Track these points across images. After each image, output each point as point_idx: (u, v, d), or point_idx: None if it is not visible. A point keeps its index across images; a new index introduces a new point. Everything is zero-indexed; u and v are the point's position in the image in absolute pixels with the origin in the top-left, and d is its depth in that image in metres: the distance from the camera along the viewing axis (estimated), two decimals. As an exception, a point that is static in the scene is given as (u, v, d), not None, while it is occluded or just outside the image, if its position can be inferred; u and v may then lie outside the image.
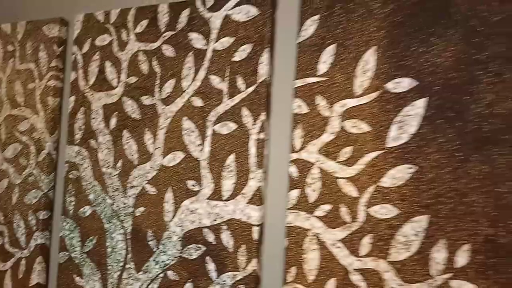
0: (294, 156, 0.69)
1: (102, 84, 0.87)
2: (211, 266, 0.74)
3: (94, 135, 0.87)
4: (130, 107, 0.83)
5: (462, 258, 0.57)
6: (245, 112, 0.73)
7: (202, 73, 0.77)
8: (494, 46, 0.57)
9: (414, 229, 0.60)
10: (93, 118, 0.87)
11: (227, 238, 0.73)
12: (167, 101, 0.80)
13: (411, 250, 0.60)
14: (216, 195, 0.74)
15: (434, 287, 0.58)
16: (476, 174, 0.57)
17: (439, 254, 0.59)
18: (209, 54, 0.76)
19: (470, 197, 0.57)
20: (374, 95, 0.64)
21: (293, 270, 0.68)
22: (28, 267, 0.92)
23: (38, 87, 0.94)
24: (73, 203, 0.88)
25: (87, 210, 0.86)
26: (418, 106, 0.61)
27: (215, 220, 0.74)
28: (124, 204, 0.83)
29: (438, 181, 0.59)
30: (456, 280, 0.58)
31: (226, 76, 0.74)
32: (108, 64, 0.86)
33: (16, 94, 0.97)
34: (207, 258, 0.74)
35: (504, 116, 0.56)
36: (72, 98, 0.90)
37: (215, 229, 0.74)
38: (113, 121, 0.85)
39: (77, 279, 0.86)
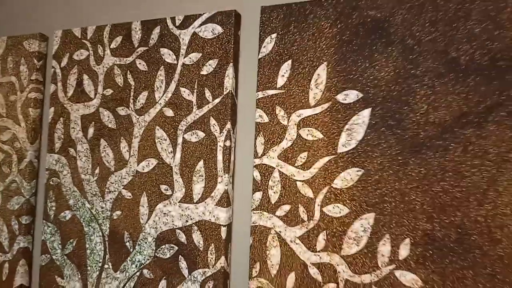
0: (257, 161, 0.75)
1: (80, 96, 0.92)
2: (183, 264, 0.80)
3: (73, 144, 0.92)
4: (107, 117, 0.89)
5: (404, 250, 0.64)
6: (212, 121, 0.79)
7: (173, 86, 0.83)
8: (427, 62, 0.64)
9: (363, 225, 0.67)
10: (72, 128, 0.93)
11: (197, 238, 0.79)
12: (140, 111, 0.86)
13: (360, 244, 0.67)
14: (187, 198, 0.80)
15: (381, 277, 0.65)
16: (415, 175, 0.64)
17: (384, 248, 0.66)
18: (179, 68, 0.82)
19: (410, 196, 0.64)
20: (326, 105, 0.70)
21: (257, 266, 0.74)
22: (11, 269, 0.97)
23: (19, 99, 0.99)
24: (54, 208, 0.93)
25: (67, 214, 0.92)
26: (364, 116, 0.68)
27: (186, 222, 0.80)
28: (102, 208, 0.88)
29: (382, 182, 0.66)
30: (399, 271, 0.65)
31: (195, 89, 0.81)
32: (85, 77, 0.92)
33: (-2, 105, 1.02)
34: (180, 257, 0.80)
35: (436, 124, 0.63)
36: (52, 109, 0.95)
37: (187, 230, 0.80)
38: (91, 131, 0.91)
39: (59, 279, 0.92)
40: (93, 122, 0.90)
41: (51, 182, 0.94)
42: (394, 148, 0.66)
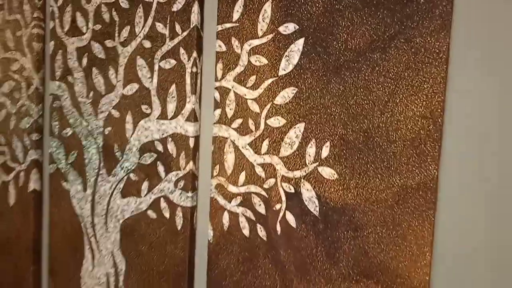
0: (217, 84, 0.92)
1: (74, 31, 1.08)
2: (161, 169, 0.99)
3: (70, 72, 1.10)
4: (97, 49, 1.05)
5: (325, 151, 0.82)
6: (182, 51, 0.95)
7: (149, 21, 0.98)
8: (345, -2, 0.78)
9: (296, 133, 0.84)
10: (69, 59, 1.10)
11: (171, 147, 0.97)
12: (124, 43, 1.02)
13: (293, 148, 0.85)
14: (163, 115, 0.98)
15: (308, 172, 0.83)
16: (335, 92, 0.81)
17: (311, 150, 0.83)
18: (154, 5, 0.97)
19: (331, 108, 0.81)
20: (270, 36, 0.86)
21: (217, 168, 0.93)
22: (26, 177, 1.18)
23: (25, 34, 1.16)
24: (57, 126, 1.12)
25: (68, 131, 1.11)
26: (299, 44, 0.83)
27: (162, 135, 0.98)
28: (96, 125, 1.07)
29: (311, 98, 0.83)
30: (321, 167, 0.82)
31: (167, 23, 0.96)
32: (78, 14, 1.07)
33: (7, 40, 1.19)
34: (158, 162, 0.99)
35: (353, 50, 0.78)
36: (52, 43, 1.12)
37: (163, 141, 0.98)
38: (84, 61, 1.08)
39: (64, 184, 1.12)
40: (86, 53, 1.07)
41: (54, 105, 1.13)
42: (321, 70, 0.81)
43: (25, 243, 1.19)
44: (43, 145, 1.18)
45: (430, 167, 0.74)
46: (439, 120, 0.73)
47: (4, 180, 1.22)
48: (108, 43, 1.04)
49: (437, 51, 0.72)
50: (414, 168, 0.75)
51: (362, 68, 0.78)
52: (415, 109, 0.74)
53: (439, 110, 0.73)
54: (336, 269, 0.82)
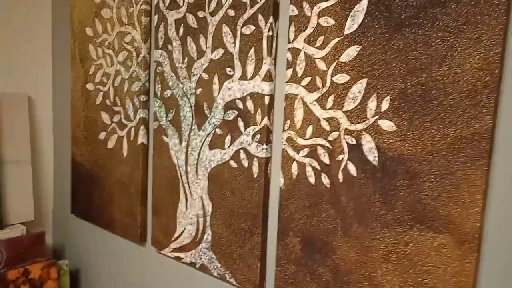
0: (289, 45, 1.01)
1: (173, 5, 1.25)
2: (241, 124, 1.12)
3: (170, 41, 1.27)
4: (191, 19, 1.21)
5: (385, 104, 0.87)
6: (260, 17, 1.06)
7: (234, -8, 1.11)
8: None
9: (358, 88, 0.91)
10: (169, 30, 1.27)
11: (250, 105, 1.10)
12: (213, 13, 1.16)
13: (356, 102, 0.91)
14: (243, 76, 1.11)
15: (369, 125, 0.90)
16: (396, 48, 0.85)
17: (372, 104, 0.89)
18: (238, -22, 1.09)
19: (391, 64, 0.86)
20: (337, -2, 0.92)
21: (288, 122, 1.03)
22: (135, 133, 1.41)
23: (136, 10, 1.36)
24: (159, 88, 1.32)
25: (168, 92, 1.30)
26: (364, 4, 0.89)
27: (243, 94, 1.11)
28: (190, 87, 1.24)
29: (373, 55, 0.88)
30: (381, 119, 0.88)
31: (249, -7, 1.07)
32: (176, -10, 1.24)
33: (122, 16, 1.41)
34: (239, 118, 1.12)
35: (414, 6, 0.82)
36: (156, 17, 1.31)
37: (243, 99, 1.11)
38: (181, 31, 1.24)
39: (164, 138, 1.32)
40: (182, 24, 1.24)
41: (157, 70, 1.32)
42: (383, 28, 0.86)
43: (135, 186, 1.42)
44: (148, 105, 1.39)
45: (485, 118, 0.75)
46: (497, 71, 0.74)
47: (119, 135, 1.46)
48: (200, 14, 1.19)
49: (497, 2, 0.73)
50: (469, 119, 0.77)
51: (422, 24, 0.81)
52: (472, 61, 0.76)
53: (496, 62, 0.74)
54: (392, 215, 0.88)
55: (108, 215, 1.54)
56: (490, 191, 0.77)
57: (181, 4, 1.23)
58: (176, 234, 1.31)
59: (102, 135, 1.53)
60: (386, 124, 0.87)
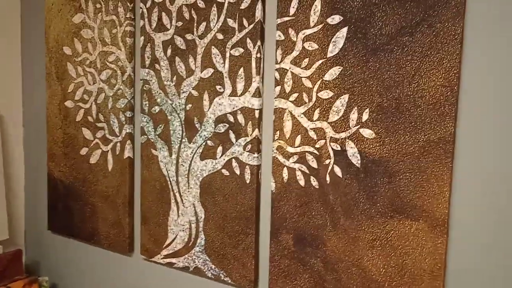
0: (277, 66, 1.15)
1: (161, 27, 1.35)
2: (232, 136, 1.24)
3: (157, 61, 1.37)
4: (179, 41, 1.32)
5: (365, 116, 1.04)
6: (248, 40, 1.19)
7: (222, 17, 1.23)
8: (380, -5, 0.99)
9: (341, 102, 1.07)
10: (156, 50, 1.37)
11: (240, 118, 1.22)
12: (201, 36, 1.27)
13: (339, 114, 1.07)
14: (233, 93, 1.23)
15: (351, 133, 1.06)
16: (372, 68, 1.02)
17: (354, 115, 1.05)
18: (226, 5, 1.22)
19: (369, 82, 1.03)
20: (320, 26, 1.08)
21: (278, 133, 1.17)
22: (121, 147, 1.48)
23: (119, 31, 1.44)
24: (147, 105, 1.40)
25: (156, 108, 1.39)
26: (344, 32, 1.05)
27: (233, 108, 1.24)
28: (179, 103, 1.34)
29: (353, 74, 1.05)
30: (362, 128, 1.05)
31: (236, 19, 1.20)
32: (163, 14, 1.34)
33: (105, 37, 1.48)
34: (230, 131, 1.25)
35: (387, 35, 1.00)
36: (142, 38, 1.39)
37: (234, 113, 1.24)
38: (169, 51, 1.34)
39: (153, 151, 1.41)
40: (170, 45, 1.34)
41: (144, 88, 1.41)
42: (361, 52, 1.03)
43: (123, 198, 1.48)
44: (134, 121, 1.46)
45: (448, 125, 0.94)
46: (456, 88, 0.93)
47: (103, 150, 1.52)
48: (188, 36, 1.30)
49: (453, 33, 0.93)
50: (435, 126, 0.96)
51: (394, 49, 0.99)
52: (436, 80, 0.95)
53: (455, 80, 0.93)
54: (375, 208, 1.04)
55: (91, 229, 1.59)
56: (454, 184, 0.96)
57: (169, 27, 1.33)
58: (168, 241, 1.40)
59: (83, 151, 1.57)
60: (367, 132, 1.04)
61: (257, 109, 1.20)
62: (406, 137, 0.99)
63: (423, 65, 0.96)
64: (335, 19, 1.06)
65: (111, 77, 1.48)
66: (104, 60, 1.49)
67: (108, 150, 1.51)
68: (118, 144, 1.48)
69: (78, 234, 1.63)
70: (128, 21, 1.42)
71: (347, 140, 1.07)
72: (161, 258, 1.42)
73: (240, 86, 1.22)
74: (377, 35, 1.01)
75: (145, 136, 1.42)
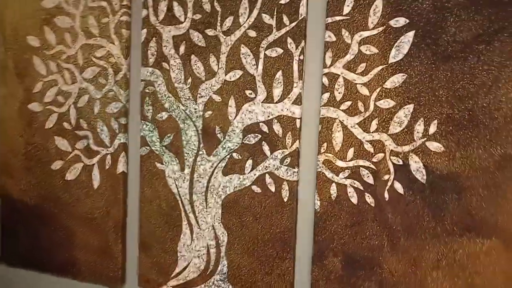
0: (326, 70, 1.03)
1: (171, 20, 1.14)
2: (266, 147, 1.09)
3: (166, 59, 1.16)
4: (196, 37, 1.12)
5: (432, 128, 0.96)
6: (289, 40, 1.05)
7: (255, 12, 1.07)
8: (458, -2, 0.92)
9: (405, 113, 0.98)
10: (164, 46, 1.15)
11: (277, 128, 1.08)
12: (227, 33, 1.10)
13: (402, 126, 0.99)
14: (268, 99, 1.08)
15: (416, 146, 0.98)
16: (443, 77, 0.95)
17: (419, 127, 0.97)
18: (260, -2, 1.06)
19: (439, 91, 0.95)
20: (381, 29, 0.98)
21: (325, 145, 1.05)
22: (113, 160, 1.23)
23: (112, 21, 1.19)
24: (150, 110, 1.18)
25: (163, 115, 1.17)
26: (409, 36, 0.97)
27: (268, 117, 1.08)
28: (195, 109, 1.14)
29: (420, 83, 0.97)
30: (429, 141, 0.97)
31: (274, 15, 1.05)
32: (175, 4, 1.13)
33: (90, 27, 1.22)
34: (263, 142, 1.09)
35: (460, 42, 0.93)
36: (144, 31, 1.17)
37: (268, 123, 1.08)
38: (182, 48, 1.14)
39: (158, 165, 1.19)
40: (184, 41, 1.14)
41: (146, 90, 1.18)
42: (430, 59, 0.96)
43: (114, 221, 1.24)
44: (128, 129, 1.23)
45: (528, 139, 0.91)
46: (536, 101, 0.90)
47: (86, 163, 1.25)
48: (209, 31, 1.11)
49: (536, 44, 0.89)
50: (513, 140, 0.92)
51: (469, 58, 0.93)
52: (515, 92, 0.91)
53: (536, 92, 0.90)
54: (441, 226, 0.98)
55: (65, 258, 1.31)
56: (531, 199, 0.93)
57: (182, 20, 1.13)
58: (178, 270, 1.20)
59: (56, 165, 1.29)
60: (434, 146, 0.97)
61: (298, 118, 1.06)
62: (480, 151, 0.94)
63: (501, 75, 0.91)
64: (399, 21, 0.97)
65: (98, 76, 1.22)
66: (88, 55, 1.22)
67: (93, 164, 1.25)
68: (109, 156, 1.23)
69: (46, 266, 1.33)
70: (125, 9, 1.18)
71: (410, 154, 0.98)
72: (167, 290, 1.21)
73: (277, 91, 1.07)
74: (449, 42, 0.94)
75: (147, 148, 1.20)
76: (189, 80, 1.14)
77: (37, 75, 1.28)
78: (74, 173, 1.27)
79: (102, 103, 1.22)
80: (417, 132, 0.98)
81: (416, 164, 0.98)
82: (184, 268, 1.19)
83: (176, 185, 1.18)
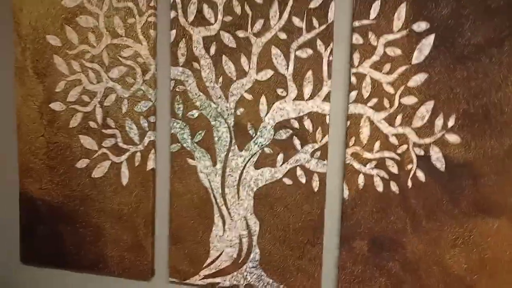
0: (354, 70, 1.12)
1: (201, 21, 1.19)
2: (296, 142, 1.17)
3: (196, 59, 1.20)
4: (227, 38, 1.18)
5: (451, 122, 1.09)
6: (319, 42, 1.13)
7: (285, 15, 1.14)
8: (471, 7, 1.04)
9: (426, 108, 1.09)
10: (195, 47, 1.20)
11: (308, 124, 1.16)
12: (258, 34, 1.16)
13: (424, 120, 1.10)
14: (299, 97, 1.16)
15: (436, 139, 1.10)
16: (460, 77, 1.07)
17: (439, 122, 1.09)
18: (290, 2, 1.13)
19: (456, 89, 1.07)
20: (404, 32, 1.09)
21: (353, 139, 1.14)
22: (143, 157, 1.27)
23: (139, 22, 1.22)
24: (181, 108, 1.23)
25: (195, 113, 1.22)
26: (430, 39, 1.08)
27: (299, 113, 1.16)
28: (226, 107, 1.20)
29: (439, 82, 1.08)
30: (448, 134, 1.09)
31: (304, 18, 1.13)
32: (205, 6, 1.18)
33: (115, 27, 1.24)
34: (294, 137, 1.17)
35: (475, 45, 1.05)
36: (173, 31, 1.20)
37: (299, 119, 1.16)
38: (212, 49, 1.19)
39: (190, 161, 1.24)
40: (214, 42, 1.19)
41: (177, 89, 1.22)
42: (448, 60, 1.07)
43: (144, 217, 1.28)
44: (156, 127, 1.26)
45: (533, 130, 1.05)
46: (540, 97, 1.04)
47: (114, 161, 1.27)
48: (240, 33, 1.17)
49: (540, 47, 1.03)
50: (521, 131, 1.05)
51: (482, 59, 1.06)
52: (522, 89, 1.04)
53: (540, 90, 1.04)
54: (459, 209, 1.11)
55: (93, 255, 1.34)
56: (535, 182, 1.07)
57: (213, 22, 1.18)
58: (210, 260, 1.26)
59: (82, 163, 1.30)
60: (453, 138, 1.09)
61: (327, 115, 1.15)
62: (492, 141, 1.07)
63: (510, 74, 1.05)
64: (421, 26, 1.08)
65: (126, 75, 1.24)
66: (114, 54, 1.24)
67: (121, 162, 1.28)
68: (138, 154, 1.27)
69: (71, 264, 1.35)
70: (152, 10, 1.21)
71: (431, 145, 1.10)
72: (200, 280, 1.27)
73: (307, 90, 1.15)
74: (465, 45, 1.06)
75: (178, 144, 1.24)
76: (220, 79, 1.20)
77: (59, 74, 1.29)
78: (102, 171, 1.29)
79: (131, 102, 1.25)
80: (437, 126, 1.09)
81: (436, 154, 1.10)
82: (217, 258, 1.26)
83: (208, 179, 1.23)
